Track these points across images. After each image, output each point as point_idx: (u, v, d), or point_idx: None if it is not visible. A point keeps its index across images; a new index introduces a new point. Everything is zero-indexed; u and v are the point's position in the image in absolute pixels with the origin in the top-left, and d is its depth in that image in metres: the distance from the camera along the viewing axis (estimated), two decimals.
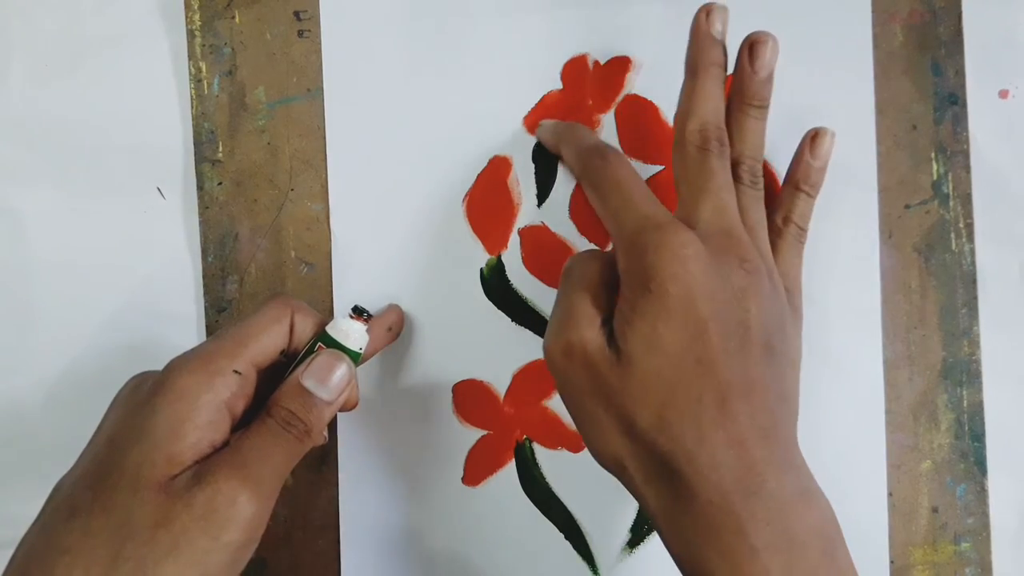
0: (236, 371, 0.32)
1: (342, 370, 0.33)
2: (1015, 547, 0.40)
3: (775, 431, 0.30)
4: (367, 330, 0.35)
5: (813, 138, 0.37)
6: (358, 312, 0.35)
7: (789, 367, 0.33)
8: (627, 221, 0.32)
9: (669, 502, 0.30)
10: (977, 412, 0.40)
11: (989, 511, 0.40)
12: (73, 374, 0.41)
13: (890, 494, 0.40)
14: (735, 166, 0.35)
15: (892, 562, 0.40)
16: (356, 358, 0.34)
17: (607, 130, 0.40)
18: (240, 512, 0.29)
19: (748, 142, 0.35)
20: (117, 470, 0.29)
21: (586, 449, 0.39)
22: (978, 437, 0.40)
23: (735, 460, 0.29)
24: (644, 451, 0.30)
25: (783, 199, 0.37)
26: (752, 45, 0.35)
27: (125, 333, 0.41)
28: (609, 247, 0.40)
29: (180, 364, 0.31)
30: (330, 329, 0.34)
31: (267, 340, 0.33)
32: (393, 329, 0.39)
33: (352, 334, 0.34)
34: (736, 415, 0.29)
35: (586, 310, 0.32)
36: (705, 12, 0.34)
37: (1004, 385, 0.40)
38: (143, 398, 0.31)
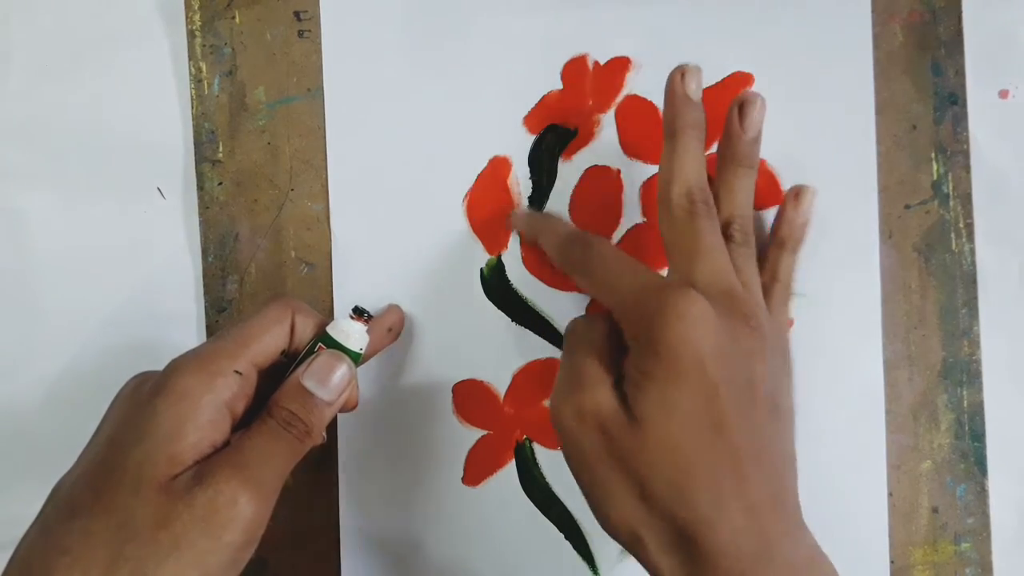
0: (237, 371, 0.31)
1: (342, 370, 0.33)
2: (1015, 547, 0.40)
3: (784, 495, 0.30)
4: (367, 331, 0.35)
5: (796, 196, 0.37)
6: (358, 313, 0.35)
7: (790, 423, 0.33)
8: (625, 290, 0.31)
9: (685, 571, 0.29)
10: (977, 412, 0.40)
11: (989, 511, 0.40)
12: (73, 374, 0.41)
13: (890, 494, 0.40)
14: (726, 226, 0.34)
15: (892, 562, 0.40)
16: (356, 358, 0.34)
17: (607, 130, 0.40)
18: (241, 512, 0.29)
19: (738, 201, 0.35)
20: (118, 470, 0.29)
21: None
22: (978, 437, 0.40)
23: (751, 527, 0.29)
24: (660, 519, 0.29)
25: (769, 258, 0.37)
26: (742, 106, 0.34)
27: (125, 333, 0.41)
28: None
29: (181, 364, 0.31)
30: (330, 329, 0.34)
31: (268, 340, 0.33)
32: (393, 330, 0.39)
33: (352, 334, 0.34)
34: (750, 481, 0.29)
35: (596, 372, 0.31)
36: (680, 74, 0.34)
37: (1004, 385, 0.40)
38: (144, 398, 0.31)
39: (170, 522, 0.28)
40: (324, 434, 0.34)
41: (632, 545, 0.30)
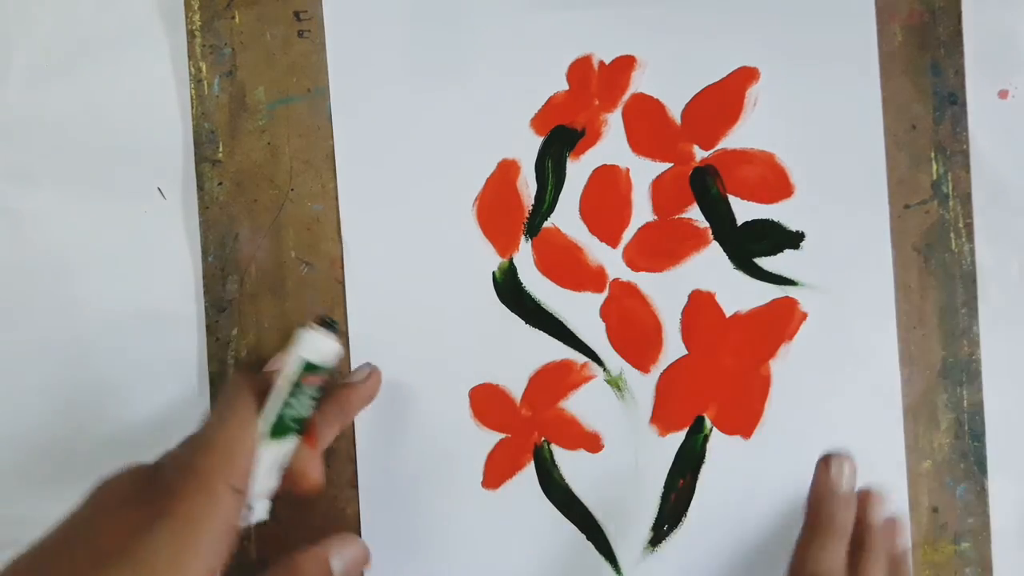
0: (237, 489, 0.31)
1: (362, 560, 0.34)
2: (1015, 547, 0.40)
3: None
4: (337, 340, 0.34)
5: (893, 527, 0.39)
6: (327, 324, 0.33)
7: None
8: None
9: None
10: (977, 412, 0.40)
11: (989, 511, 0.40)
12: (73, 374, 0.41)
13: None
14: None
15: None
16: (331, 372, 0.34)
17: (615, 129, 0.40)
18: None
19: None
20: None
21: (604, 449, 0.40)
22: (978, 437, 0.40)
23: None
24: None
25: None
26: (872, 501, 0.37)
27: (125, 333, 0.41)
28: (620, 245, 0.40)
29: (178, 485, 0.30)
30: (307, 354, 0.33)
31: (251, 443, 0.32)
32: (370, 396, 0.39)
33: (329, 352, 0.33)
34: None
35: None
36: (825, 463, 0.37)
37: (1004, 385, 0.40)
38: (140, 518, 0.29)
39: None
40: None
41: None
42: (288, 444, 0.34)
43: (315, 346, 0.32)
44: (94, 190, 0.41)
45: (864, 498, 0.38)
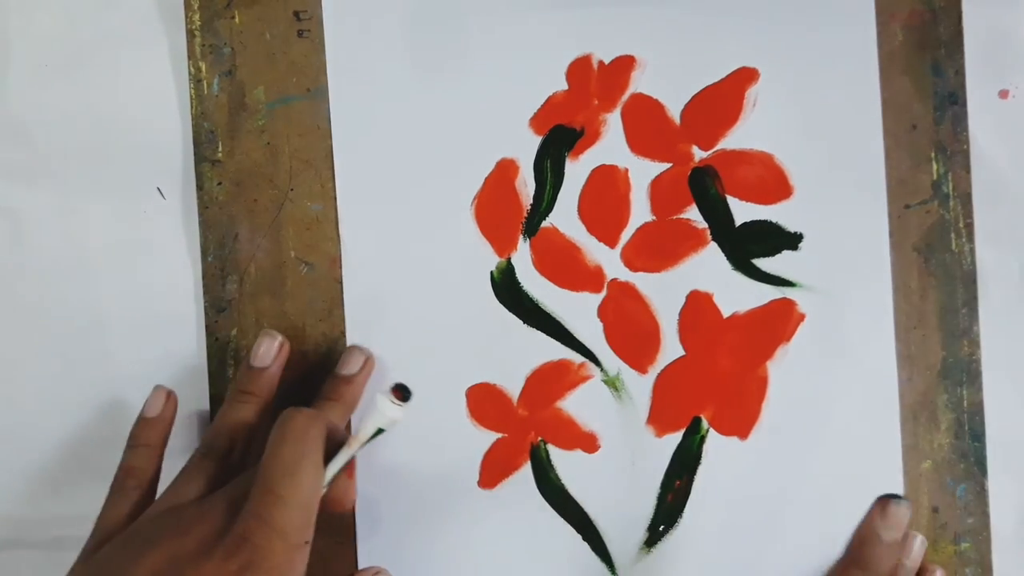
0: (308, 543, 0.31)
1: None
2: (1015, 547, 0.40)
3: None
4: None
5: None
6: (402, 395, 0.33)
7: None
8: None
9: None
10: (977, 412, 0.40)
11: (989, 511, 0.40)
12: (73, 374, 0.41)
13: None
14: None
15: None
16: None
17: (614, 129, 0.40)
18: None
19: None
20: None
21: (601, 449, 0.40)
22: (978, 437, 0.40)
23: None
24: None
25: None
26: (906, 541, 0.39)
27: (125, 333, 0.41)
28: (619, 245, 0.40)
29: (260, 541, 0.30)
30: (383, 424, 0.33)
31: (319, 497, 0.33)
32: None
33: (396, 419, 0.33)
34: None
35: None
36: (883, 506, 0.39)
37: (1004, 385, 0.40)
38: (228, 569, 0.30)
39: None
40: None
41: None
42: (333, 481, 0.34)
43: (390, 416, 0.33)
44: (94, 190, 0.41)
45: (908, 542, 0.39)
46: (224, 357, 0.40)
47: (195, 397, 0.41)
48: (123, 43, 0.41)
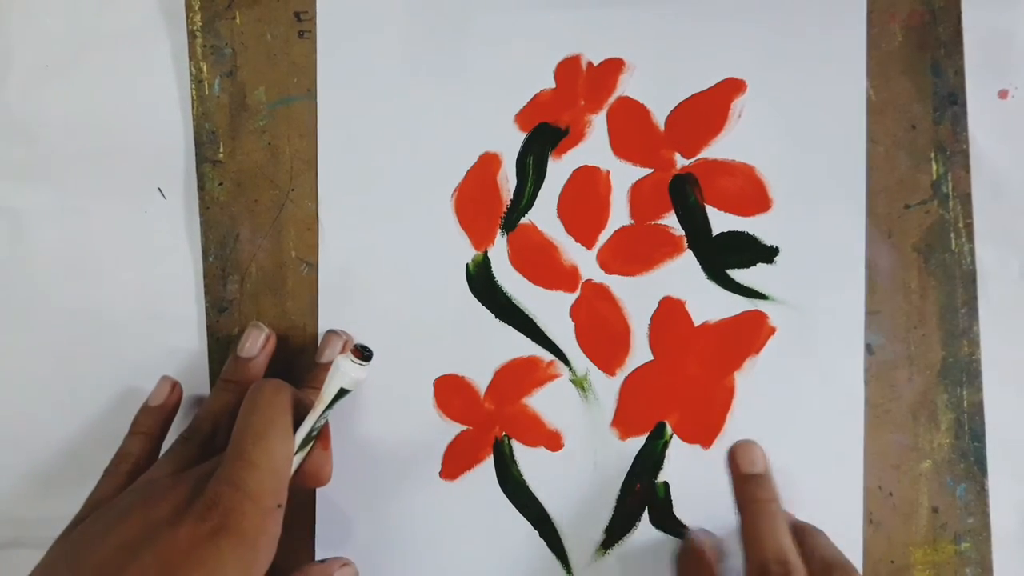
0: (280, 505, 0.32)
1: None
2: (1015, 547, 0.40)
3: None
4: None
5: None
6: (363, 355, 0.34)
7: None
8: None
9: None
10: (977, 412, 0.40)
11: (989, 511, 0.40)
12: (73, 374, 0.41)
13: (890, 494, 0.40)
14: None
15: (892, 562, 0.40)
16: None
17: (598, 131, 0.40)
18: None
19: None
20: None
21: (564, 448, 0.40)
22: (978, 437, 0.40)
23: None
24: None
25: None
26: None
27: (125, 333, 0.41)
28: (595, 247, 0.40)
29: (232, 504, 0.30)
30: (345, 383, 0.33)
31: (290, 461, 0.33)
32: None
33: (359, 379, 0.33)
34: None
35: None
36: (733, 454, 0.38)
37: (1004, 385, 0.40)
38: (201, 532, 0.30)
39: None
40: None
41: None
42: (307, 451, 0.34)
43: (352, 376, 0.33)
44: (94, 190, 0.41)
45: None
46: (225, 357, 0.40)
47: (196, 397, 0.41)
48: (124, 44, 0.41)
